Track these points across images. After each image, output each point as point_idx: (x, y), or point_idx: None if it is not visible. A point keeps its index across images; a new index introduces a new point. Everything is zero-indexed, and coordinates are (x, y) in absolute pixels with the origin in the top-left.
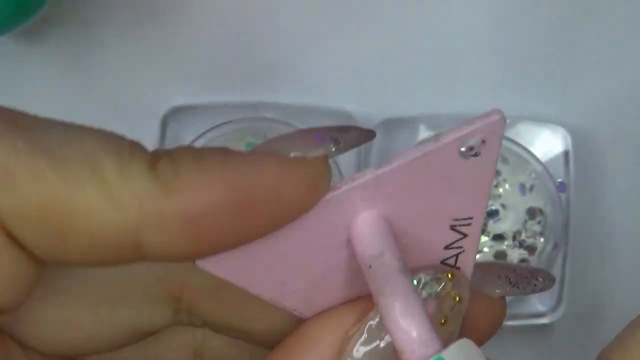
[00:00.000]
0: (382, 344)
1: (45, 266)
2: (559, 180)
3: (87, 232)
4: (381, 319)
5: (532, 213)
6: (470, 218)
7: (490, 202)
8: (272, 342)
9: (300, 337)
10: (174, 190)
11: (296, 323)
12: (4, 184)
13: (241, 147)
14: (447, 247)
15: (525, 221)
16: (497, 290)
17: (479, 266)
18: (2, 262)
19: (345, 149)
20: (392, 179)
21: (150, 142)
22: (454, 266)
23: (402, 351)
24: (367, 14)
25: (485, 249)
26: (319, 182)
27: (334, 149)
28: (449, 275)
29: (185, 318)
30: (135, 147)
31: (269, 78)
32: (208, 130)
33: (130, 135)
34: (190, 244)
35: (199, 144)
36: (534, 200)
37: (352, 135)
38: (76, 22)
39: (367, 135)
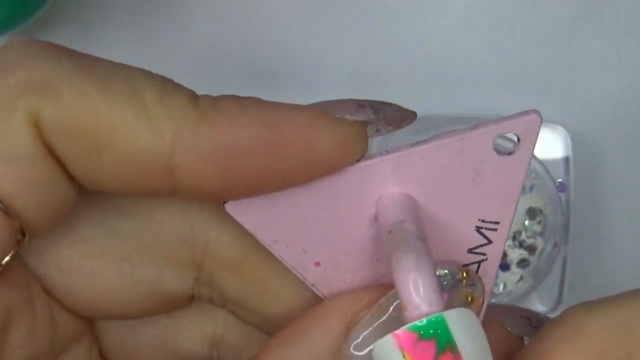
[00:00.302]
0: (383, 325)
1: (77, 191)
2: (559, 180)
3: (122, 150)
4: (392, 275)
5: (532, 213)
6: (497, 223)
7: None
8: None
9: (311, 313)
10: (211, 120)
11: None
12: (47, 96)
13: None
14: (470, 251)
15: (525, 221)
16: (516, 329)
17: (503, 306)
18: (37, 171)
19: (385, 122)
20: (426, 158)
21: None
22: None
23: (406, 306)
24: (368, 14)
25: None
26: (353, 143)
27: (372, 116)
28: (464, 274)
29: (206, 292)
30: (179, 85)
31: (269, 78)
32: None
33: None
34: (220, 174)
35: None
36: (534, 200)
37: (393, 109)
38: (76, 22)
39: (408, 113)
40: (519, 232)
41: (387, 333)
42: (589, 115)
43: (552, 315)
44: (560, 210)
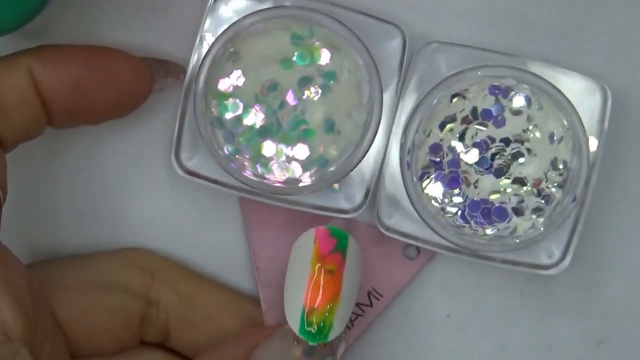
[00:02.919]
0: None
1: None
2: (591, 136)
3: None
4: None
5: (556, 164)
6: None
7: (517, 144)
8: None
9: (228, 338)
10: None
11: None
12: None
13: (286, 36)
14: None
15: (549, 170)
16: None
17: None
18: None
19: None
20: None
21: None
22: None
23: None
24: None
25: (507, 190)
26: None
27: (153, 61)
28: (323, 345)
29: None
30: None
31: None
32: (253, 13)
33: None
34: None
35: (246, 23)
36: (560, 151)
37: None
38: (76, 21)
39: (180, 67)
40: (539, 180)
41: (280, 352)
42: (634, 73)
43: (552, 271)
44: (586, 166)
